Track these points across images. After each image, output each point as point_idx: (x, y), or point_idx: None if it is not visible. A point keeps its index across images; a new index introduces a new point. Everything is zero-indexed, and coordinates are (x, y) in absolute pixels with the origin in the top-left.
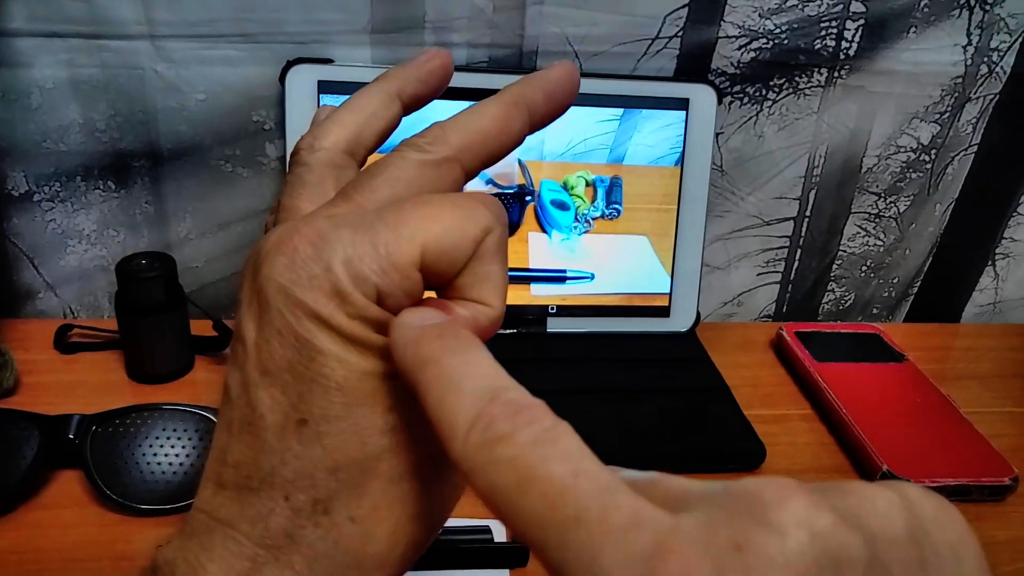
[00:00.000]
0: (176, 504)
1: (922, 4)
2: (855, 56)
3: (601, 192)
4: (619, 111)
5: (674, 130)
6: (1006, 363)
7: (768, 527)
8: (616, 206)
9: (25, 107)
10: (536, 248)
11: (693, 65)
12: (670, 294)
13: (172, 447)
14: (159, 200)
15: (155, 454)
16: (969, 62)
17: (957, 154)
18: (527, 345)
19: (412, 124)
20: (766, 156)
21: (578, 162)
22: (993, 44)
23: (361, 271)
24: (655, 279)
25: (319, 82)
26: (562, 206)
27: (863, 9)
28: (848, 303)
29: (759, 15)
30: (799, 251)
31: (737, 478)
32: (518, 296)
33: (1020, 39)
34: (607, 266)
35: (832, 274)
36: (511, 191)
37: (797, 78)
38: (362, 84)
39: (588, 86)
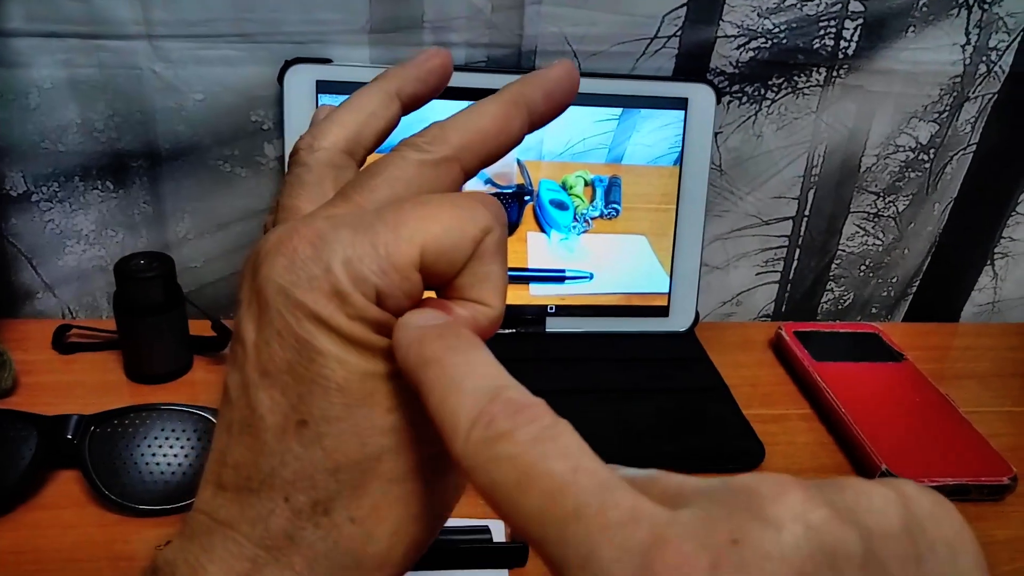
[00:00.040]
0: (175, 504)
1: (921, 3)
2: (854, 55)
3: (600, 192)
4: (618, 111)
5: (673, 130)
6: (1005, 362)
7: (764, 521)
8: (615, 206)
9: (23, 107)
10: (535, 248)
11: (692, 65)
12: (669, 294)
13: (171, 447)
14: (157, 200)
15: (154, 454)
16: (968, 61)
17: (956, 153)
18: (526, 345)
19: (412, 124)
20: (765, 156)
21: (577, 162)
22: (992, 43)
23: (361, 272)
24: (654, 279)
25: (318, 82)
26: (561, 206)
27: (862, 8)
28: (847, 303)
29: (758, 14)
30: (798, 251)
31: None
32: (517, 296)
33: (1019, 38)
34: (606, 266)
35: (831, 274)
36: (510, 191)
37: (796, 77)
38: (361, 84)
39: (587, 86)
